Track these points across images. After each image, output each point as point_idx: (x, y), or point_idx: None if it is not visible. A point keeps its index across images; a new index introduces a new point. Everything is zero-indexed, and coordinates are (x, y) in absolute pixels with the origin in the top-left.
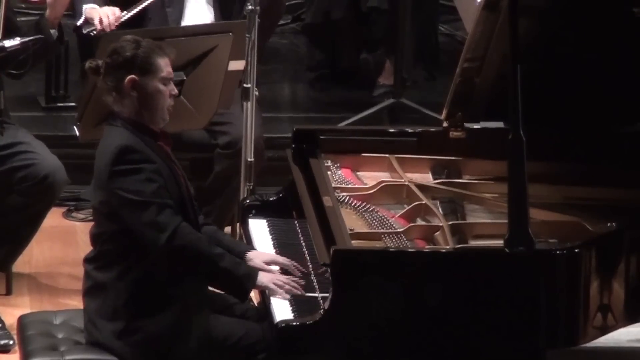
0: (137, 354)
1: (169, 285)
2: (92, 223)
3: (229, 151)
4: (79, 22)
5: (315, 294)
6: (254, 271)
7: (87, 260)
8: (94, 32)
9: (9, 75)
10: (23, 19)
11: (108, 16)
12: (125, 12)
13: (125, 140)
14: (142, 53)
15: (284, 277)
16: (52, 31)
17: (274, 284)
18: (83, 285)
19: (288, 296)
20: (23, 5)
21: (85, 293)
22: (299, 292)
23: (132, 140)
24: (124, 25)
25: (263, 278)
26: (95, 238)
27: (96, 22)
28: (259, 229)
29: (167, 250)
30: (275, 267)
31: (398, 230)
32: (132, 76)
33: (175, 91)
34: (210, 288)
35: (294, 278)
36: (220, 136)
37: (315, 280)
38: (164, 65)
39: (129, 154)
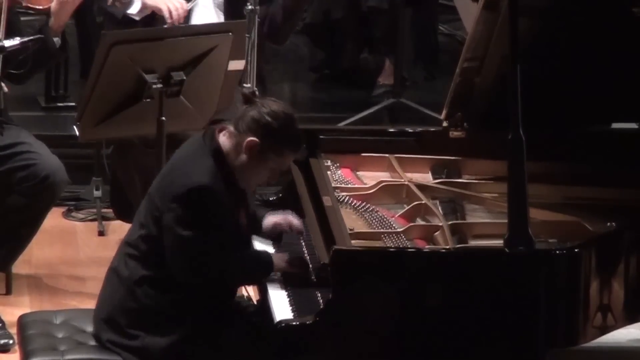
0: (124, 356)
1: (181, 309)
2: (91, 223)
3: None
4: (132, 10)
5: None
6: (269, 261)
7: (126, 242)
8: (165, 24)
9: (9, 78)
10: (23, 18)
11: (177, 9)
12: (190, 3)
13: (208, 180)
14: (284, 135)
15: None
16: (55, 39)
17: (287, 262)
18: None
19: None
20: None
21: (108, 270)
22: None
23: (213, 182)
24: (124, 25)
25: (276, 260)
26: (138, 227)
27: (166, 14)
28: None
29: (192, 283)
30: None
31: (398, 230)
32: (258, 142)
33: (273, 180)
34: None
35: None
36: None
37: (313, 274)
38: (287, 160)
39: (204, 194)
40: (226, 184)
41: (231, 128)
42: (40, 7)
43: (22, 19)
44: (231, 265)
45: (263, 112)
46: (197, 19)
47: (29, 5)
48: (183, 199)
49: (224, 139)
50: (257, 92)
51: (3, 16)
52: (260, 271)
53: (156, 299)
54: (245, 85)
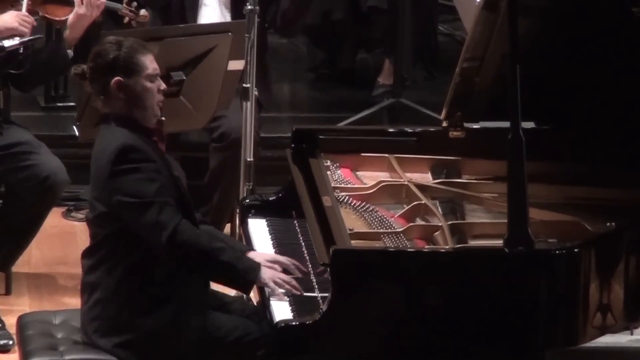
0: (125, 353)
1: (161, 285)
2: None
3: (222, 144)
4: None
5: (315, 294)
6: (256, 264)
7: (84, 255)
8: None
9: (14, 84)
10: None
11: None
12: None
13: (125, 139)
14: (124, 54)
15: (284, 276)
16: (68, 51)
17: (274, 282)
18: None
19: (285, 297)
20: None
21: (81, 289)
22: (298, 293)
23: (131, 139)
24: (127, 27)
25: (265, 274)
26: (92, 237)
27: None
28: (259, 229)
29: (169, 249)
30: (277, 267)
31: (397, 230)
32: (117, 78)
33: (164, 86)
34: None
35: (293, 279)
36: (214, 131)
37: (314, 280)
38: (149, 63)
39: (130, 152)
40: (145, 141)
41: (99, 103)
42: (57, 19)
43: None
44: (210, 238)
45: (94, 64)
46: (203, 19)
47: (46, 16)
48: (115, 170)
49: (110, 111)
50: (256, 93)
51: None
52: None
53: (139, 285)
54: (245, 85)
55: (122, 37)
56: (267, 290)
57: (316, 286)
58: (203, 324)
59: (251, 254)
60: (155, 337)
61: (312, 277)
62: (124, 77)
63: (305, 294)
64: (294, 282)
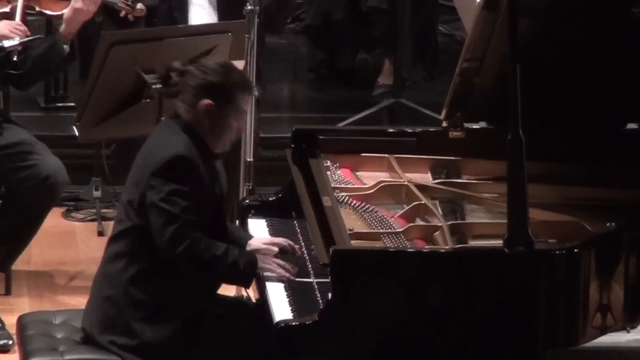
0: (126, 356)
1: (171, 296)
2: (90, 223)
3: None
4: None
5: (310, 279)
6: (254, 257)
7: (109, 244)
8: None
9: (12, 82)
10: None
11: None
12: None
13: (185, 150)
14: (229, 84)
15: (273, 261)
16: (65, 46)
17: (261, 267)
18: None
19: (279, 274)
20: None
21: (97, 276)
22: (287, 274)
23: (190, 152)
24: (126, 25)
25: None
26: (116, 223)
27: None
28: (258, 229)
29: (178, 262)
30: (274, 249)
31: (397, 230)
32: (211, 102)
33: (244, 128)
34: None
35: (283, 262)
36: None
37: (310, 266)
38: (244, 104)
39: (183, 164)
40: (202, 156)
41: (180, 106)
42: (54, 13)
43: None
44: (215, 246)
45: (199, 75)
46: (194, 19)
47: (42, 10)
48: (162, 172)
49: (186, 118)
50: (256, 93)
51: (18, 18)
52: (242, 264)
53: (150, 292)
54: None
55: (232, 64)
56: (265, 282)
57: (312, 272)
58: (203, 326)
59: (251, 241)
60: (153, 347)
61: (308, 262)
62: (217, 105)
63: (301, 279)
64: (281, 262)
